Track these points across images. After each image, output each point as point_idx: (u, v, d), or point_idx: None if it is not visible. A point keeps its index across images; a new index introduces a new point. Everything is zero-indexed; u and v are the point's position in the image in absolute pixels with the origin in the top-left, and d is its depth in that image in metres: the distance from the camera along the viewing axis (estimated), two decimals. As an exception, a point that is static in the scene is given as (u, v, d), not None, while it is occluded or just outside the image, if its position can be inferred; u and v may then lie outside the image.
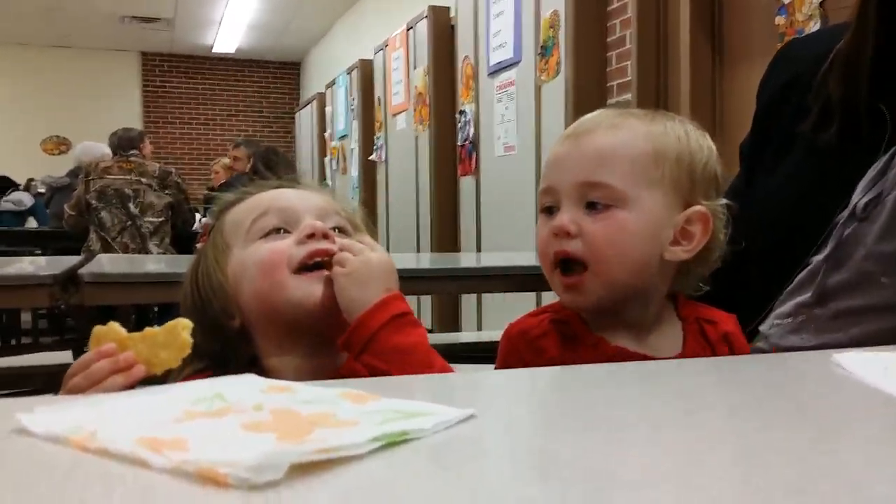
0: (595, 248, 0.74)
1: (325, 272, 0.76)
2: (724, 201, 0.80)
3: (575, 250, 0.74)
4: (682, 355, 0.78)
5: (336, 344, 0.75)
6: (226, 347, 0.77)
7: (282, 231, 0.79)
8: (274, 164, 4.08)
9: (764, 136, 0.76)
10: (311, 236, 0.77)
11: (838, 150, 0.90)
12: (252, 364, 0.75)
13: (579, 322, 0.78)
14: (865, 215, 0.86)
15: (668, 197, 0.76)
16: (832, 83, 0.90)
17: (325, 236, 0.78)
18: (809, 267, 0.90)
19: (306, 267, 0.76)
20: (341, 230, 0.82)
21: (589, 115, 0.81)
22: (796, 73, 0.90)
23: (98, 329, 0.64)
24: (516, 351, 0.78)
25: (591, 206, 0.74)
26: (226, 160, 5.47)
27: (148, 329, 0.64)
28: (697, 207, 0.77)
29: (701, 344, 0.79)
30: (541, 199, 0.78)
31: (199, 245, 0.86)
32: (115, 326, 0.64)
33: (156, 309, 3.55)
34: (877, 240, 0.85)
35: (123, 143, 4.08)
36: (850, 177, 0.88)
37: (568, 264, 0.76)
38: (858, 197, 0.87)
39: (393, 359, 0.71)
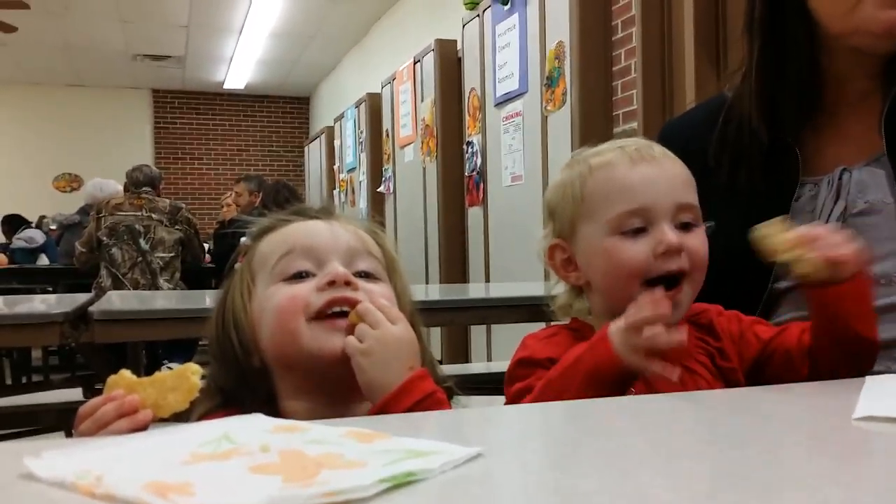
0: (696, 260, 0.79)
1: (344, 321, 0.74)
2: None
3: (682, 266, 0.78)
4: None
5: (355, 391, 0.73)
6: (244, 384, 0.76)
7: (306, 274, 0.77)
8: (284, 200, 4.10)
9: None
10: (332, 283, 0.75)
11: (756, 188, 0.95)
12: (269, 402, 0.74)
13: (590, 331, 0.81)
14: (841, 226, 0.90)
15: None
16: (731, 133, 0.97)
17: (348, 283, 0.75)
18: (785, 290, 0.90)
19: (324, 314, 0.74)
20: (368, 275, 0.79)
21: (628, 141, 0.84)
22: (685, 142, 0.94)
23: (112, 378, 0.65)
24: (525, 347, 0.82)
25: (684, 226, 0.79)
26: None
27: (158, 374, 0.65)
28: None
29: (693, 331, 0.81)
30: (625, 221, 0.78)
31: (237, 265, 0.84)
32: (125, 373, 0.65)
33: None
34: (885, 242, 0.86)
35: (147, 181, 4.12)
36: (778, 205, 0.92)
37: (672, 280, 0.78)
38: (826, 215, 0.89)
39: None
